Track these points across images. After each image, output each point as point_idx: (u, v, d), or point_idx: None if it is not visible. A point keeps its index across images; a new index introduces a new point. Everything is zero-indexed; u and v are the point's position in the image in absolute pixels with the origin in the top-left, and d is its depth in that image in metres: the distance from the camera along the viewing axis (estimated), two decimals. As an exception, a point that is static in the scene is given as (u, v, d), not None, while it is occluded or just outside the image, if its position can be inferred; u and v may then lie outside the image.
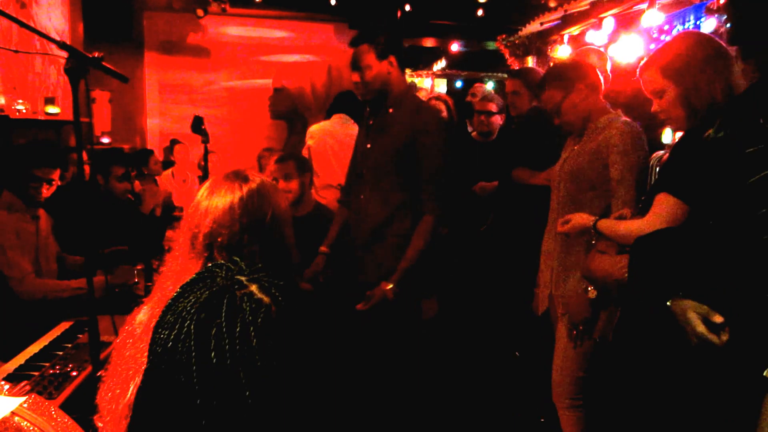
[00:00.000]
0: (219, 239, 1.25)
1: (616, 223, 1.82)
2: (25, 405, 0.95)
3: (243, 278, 0.73)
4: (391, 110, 2.47)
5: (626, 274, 1.66)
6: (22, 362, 2.02)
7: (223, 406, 0.67)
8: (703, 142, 1.52)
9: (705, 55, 1.67)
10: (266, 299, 0.71)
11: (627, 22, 4.21)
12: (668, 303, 1.38)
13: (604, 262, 1.78)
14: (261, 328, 0.69)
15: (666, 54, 1.73)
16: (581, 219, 1.96)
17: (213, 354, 0.67)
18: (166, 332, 0.70)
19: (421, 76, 8.19)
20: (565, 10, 4.80)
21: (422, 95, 4.61)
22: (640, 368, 1.74)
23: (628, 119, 2.21)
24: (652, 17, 3.70)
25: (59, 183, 2.75)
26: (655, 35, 3.87)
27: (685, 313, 1.33)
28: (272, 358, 0.69)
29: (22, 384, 1.79)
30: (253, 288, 0.72)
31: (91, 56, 1.55)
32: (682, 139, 1.77)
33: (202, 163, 5.04)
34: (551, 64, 4.81)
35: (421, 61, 8.14)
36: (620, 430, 1.97)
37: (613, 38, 4.17)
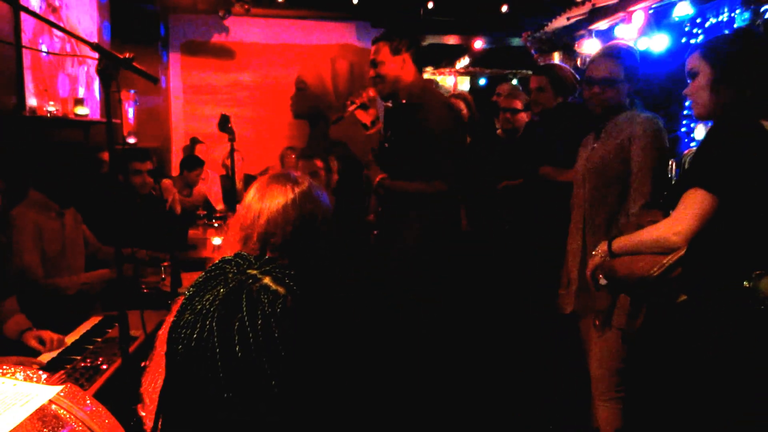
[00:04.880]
0: (272, 240, 1.28)
1: (636, 234, 1.77)
2: (62, 394, 0.96)
3: (255, 272, 0.75)
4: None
5: (651, 272, 1.64)
6: (54, 355, 2.06)
7: (251, 397, 0.69)
8: (759, 135, 1.51)
9: (749, 48, 1.66)
10: (282, 290, 0.72)
11: (657, 15, 4.12)
12: (746, 284, 1.35)
13: (626, 261, 1.76)
14: (281, 319, 0.70)
15: (712, 38, 1.78)
16: (594, 259, 1.90)
17: (238, 348, 0.68)
18: (188, 331, 0.71)
19: (443, 73, 8.14)
20: (593, 4, 4.72)
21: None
22: (672, 359, 1.73)
23: (650, 114, 2.18)
24: (684, 9, 3.63)
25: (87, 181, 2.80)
26: (687, 29, 3.79)
27: None
28: (294, 346, 0.71)
29: (60, 373, 1.82)
30: (267, 280, 0.73)
31: (122, 57, 1.57)
32: (713, 133, 1.74)
33: (227, 162, 5.08)
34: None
35: (444, 58, 8.09)
36: (655, 421, 1.96)
37: (643, 33, 4.09)
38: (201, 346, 0.69)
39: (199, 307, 0.72)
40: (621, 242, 1.80)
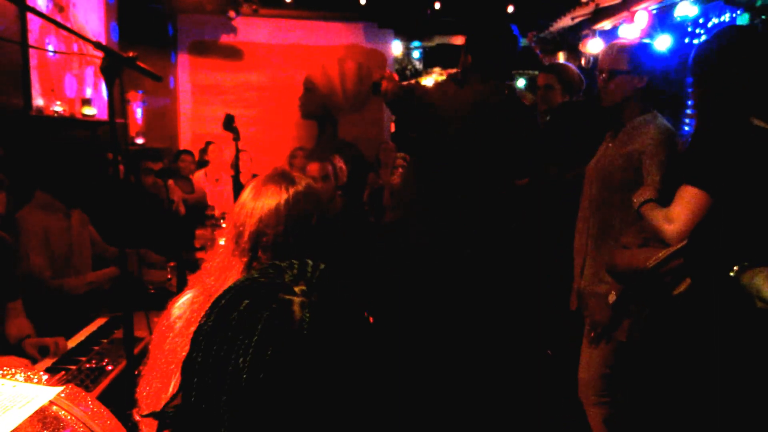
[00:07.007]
0: (264, 239, 1.27)
1: (654, 211, 1.78)
2: (63, 395, 0.97)
3: (284, 291, 0.71)
4: None
5: (646, 264, 1.65)
6: (60, 356, 2.08)
7: (247, 416, 0.66)
8: (744, 133, 1.51)
9: (724, 47, 1.68)
10: (298, 314, 0.68)
11: (661, 15, 4.11)
12: (732, 273, 1.36)
13: (626, 255, 1.78)
14: (285, 345, 0.67)
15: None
16: (641, 193, 1.88)
17: (237, 363, 0.66)
18: (204, 340, 0.70)
19: (451, 73, 8.13)
20: (597, 4, 4.71)
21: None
22: (669, 366, 1.73)
23: (663, 121, 2.15)
24: (687, 9, 3.62)
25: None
26: (690, 29, 3.78)
27: (754, 278, 1.31)
28: (297, 374, 0.67)
29: (60, 374, 1.84)
30: (296, 302, 0.69)
31: (125, 56, 1.58)
32: (702, 130, 1.74)
33: (234, 162, 5.07)
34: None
35: (451, 58, 8.09)
36: (649, 428, 1.95)
37: (646, 33, 4.08)
38: (210, 357, 0.68)
39: (218, 314, 0.70)
40: (647, 207, 1.80)
